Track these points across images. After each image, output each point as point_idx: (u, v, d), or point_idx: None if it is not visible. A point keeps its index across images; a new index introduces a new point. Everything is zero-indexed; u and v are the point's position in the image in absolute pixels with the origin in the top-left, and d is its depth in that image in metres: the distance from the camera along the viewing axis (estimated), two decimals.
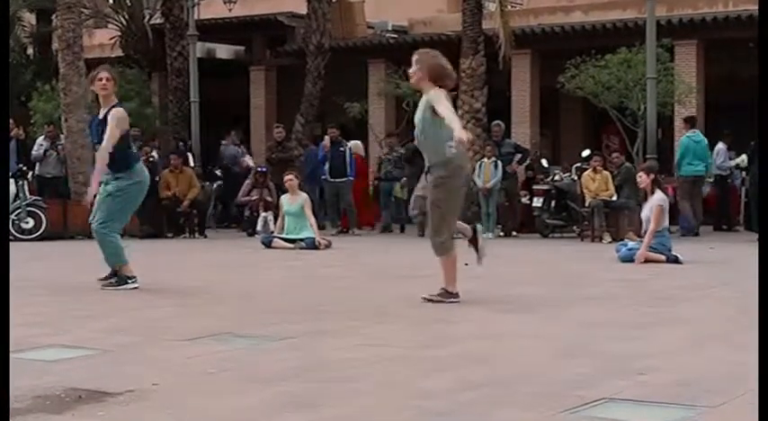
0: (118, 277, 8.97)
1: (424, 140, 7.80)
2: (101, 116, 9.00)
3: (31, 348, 5.86)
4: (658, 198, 12.10)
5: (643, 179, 12.48)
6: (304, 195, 15.53)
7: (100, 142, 8.77)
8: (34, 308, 7.80)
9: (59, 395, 4.57)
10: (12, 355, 5.61)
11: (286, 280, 10.79)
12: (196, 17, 22.91)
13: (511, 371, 5.15)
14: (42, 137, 19.80)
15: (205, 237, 18.32)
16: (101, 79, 9.00)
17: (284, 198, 15.60)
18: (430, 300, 7.83)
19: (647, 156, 18.30)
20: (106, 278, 9.10)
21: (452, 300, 7.81)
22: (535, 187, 18.99)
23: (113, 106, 8.94)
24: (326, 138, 20.08)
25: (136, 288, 8.86)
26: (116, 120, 8.82)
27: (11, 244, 16.04)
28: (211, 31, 24.71)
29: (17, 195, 16.63)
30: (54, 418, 4.19)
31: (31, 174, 17.34)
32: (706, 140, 18.27)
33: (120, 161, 8.87)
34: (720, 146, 19.33)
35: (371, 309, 7.74)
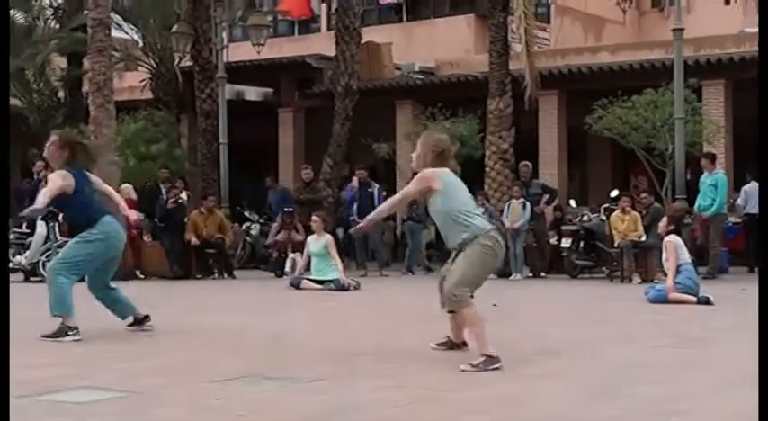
0: (59, 328, 8.46)
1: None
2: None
3: (61, 389, 5.87)
4: (668, 238, 12.44)
5: (663, 225, 12.79)
6: (328, 236, 15.59)
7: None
8: (64, 348, 7.82)
9: None
10: (42, 397, 5.65)
11: (315, 321, 10.79)
12: (225, 60, 23.09)
13: (541, 413, 5.13)
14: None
15: (234, 277, 18.35)
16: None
17: (310, 239, 15.75)
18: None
19: (677, 196, 18.23)
20: (132, 324, 9.07)
21: (494, 365, 6.75)
22: (563, 228, 18.94)
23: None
24: (354, 179, 20.13)
25: (78, 340, 8.28)
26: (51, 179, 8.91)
27: (43, 285, 16.18)
28: (240, 73, 24.88)
29: (48, 237, 16.73)
30: None
31: (61, 215, 17.42)
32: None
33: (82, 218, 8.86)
34: (752, 185, 19.10)
35: (402, 351, 7.73)
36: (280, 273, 18.41)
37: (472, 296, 7.17)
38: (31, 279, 16.94)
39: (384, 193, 19.86)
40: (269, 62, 25.58)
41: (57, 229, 16.86)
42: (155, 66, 26.03)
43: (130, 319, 9.08)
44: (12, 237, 17.55)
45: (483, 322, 7.12)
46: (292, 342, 8.45)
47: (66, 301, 8.55)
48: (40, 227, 16.77)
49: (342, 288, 14.63)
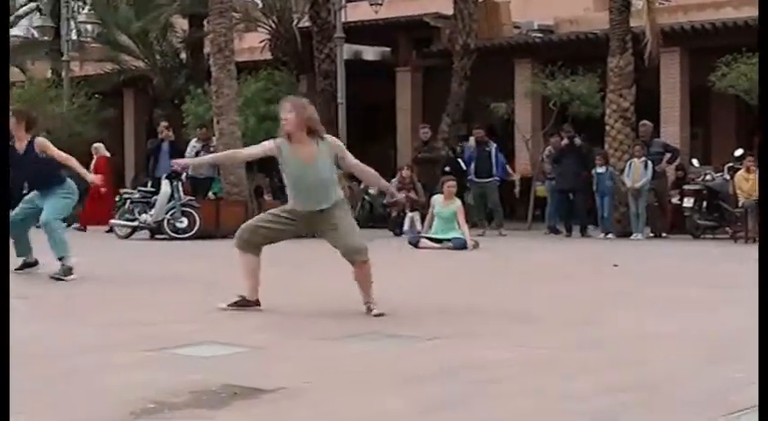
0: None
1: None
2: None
3: (187, 345, 6.03)
4: None
5: None
6: (458, 202, 15.50)
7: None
8: (188, 305, 8.02)
9: (215, 391, 4.70)
10: (168, 351, 5.82)
11: (433, 280, 10.84)
12: (343, 19, 23.14)
13: (659, 375, 5.09)
14: (195, 139, 20.28)
15: None
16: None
17: (437, 199, 15.56)
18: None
19: None
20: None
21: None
22: (686, 187, 18.61)
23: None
24: (471, 138, 20.06)
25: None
26: None
27: (167, 243, 16.59)
28: (358, 33, 24.92)
29: (172, 195, 17.08)
30: (210, 414, 4.32)
31: (184, 174, 17.77)
32: None
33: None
34: None
35: (519, 311, 7.73)
36: (398, 231, 18.50)
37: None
38: (157, 236, 17.33)
39: (501, 153, 19.78)
40: (387, 21, 25.55)
41: (180, 188, 17.20)
42: (274, 26, 26.21)
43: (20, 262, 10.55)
44: (137, 195, 17.98)
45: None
46: (410, 300, 8.50)
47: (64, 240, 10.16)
48: (165, 185, 17.12)
49: (461, 247, 14.63)
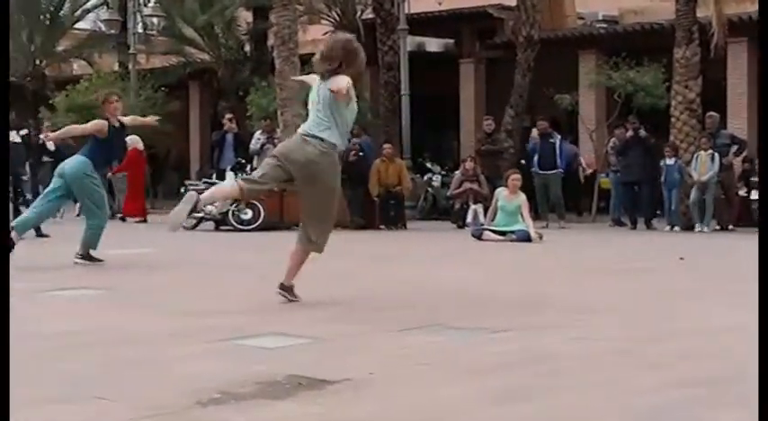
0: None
1: None
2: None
3: (252, 335, 6.07)
4: None
5: None
6: (523, 196, 15.44)
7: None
8: (252, 296, 8.06)
9: (280, 382, 4.72)
10: (234, 341, 5.86)
11: (497, 272, 10.81)
12: (406, 11, 23.16)
13: (727, 371, 5.03)
14: (260, 131, 20.40)
15: (405, 228, 18.48)
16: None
17: (502, 192, 15.50)
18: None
19: None
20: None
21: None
22: (753, 179, 18.37)
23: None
24: (534, 130, 19.97)
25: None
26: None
27: (232, 234, 16.71)
28: (421, 24, 24.91)
29: None
30: (276, 404, 4.34)
31: (249, 166, 17.90)
32: None
33: None
34: None
35: (586, 303, 7.68)
36: (461, 223, 18.47)
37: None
38: (221, 228, 17.47)
39: (567, 145, 19.67)
40: (450, 13, 25.52)
41: None
42: (337, 18, 26.29)
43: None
44: (202, 186, 18.11)
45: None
46: (474, 292, 8.49)
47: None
48: (229, 177, 17.23)
49: (524, 239, 14.58)
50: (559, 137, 19.69)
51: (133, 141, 20.85)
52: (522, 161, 19.47)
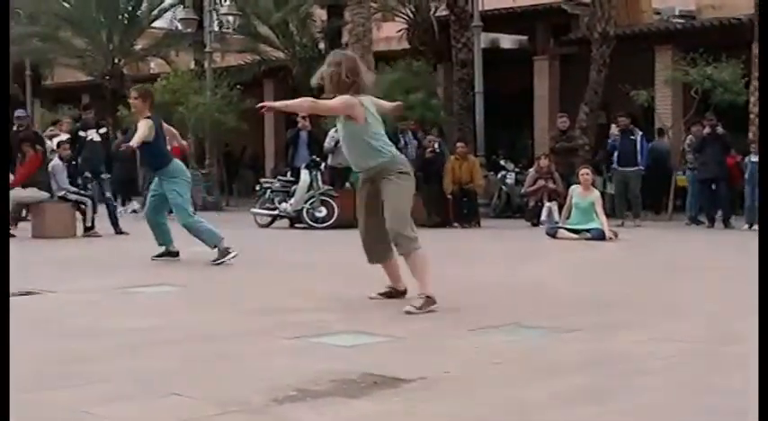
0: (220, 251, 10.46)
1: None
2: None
3: (328, 333, 6.12)
4: None
5: None
6: (596, 192, 15.33)
7: None
8: (327, 293, 8.12)
9: (355, 380, 4.76)
10: (310, 339, 5.91)
11: (571, 271, 10.76)
12: (480, 8, 23.08)
13: None
14: (334, 129, 20.43)
15: (479, 226, 18.44)
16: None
17: (575, 190, 15.41)
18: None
19: None
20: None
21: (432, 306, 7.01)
22: None
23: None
24: (613, 126, 19.78)
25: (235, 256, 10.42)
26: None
27: (306, 232, 16.81)
28: (495, 21, 24.82)
29: (311, 185, 17.29)
30: (351, 402, 4.37)
31: (323, 164, 17.98)
32: None
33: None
34: None
35: (660, 303, 7.62)
36: (536, 221, 18.37)
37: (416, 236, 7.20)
38: (296, 225, 17.58)
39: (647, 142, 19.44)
40: (524, 9, 25.38)
41: (319, 177, 17.41)
42: (411, 16, 26.31)
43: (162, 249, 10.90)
44: (277, 184, 18.25)
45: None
46: (548, 291, 8.45)
47: (209, 231, 10.56)
48: (305, 175, 17.35)
49: (599, 237, 14.47)
50: (641, 133, 19.45)
51: (175, 137, 20.84)
52: (597, 157, 19.27)
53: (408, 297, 7.38)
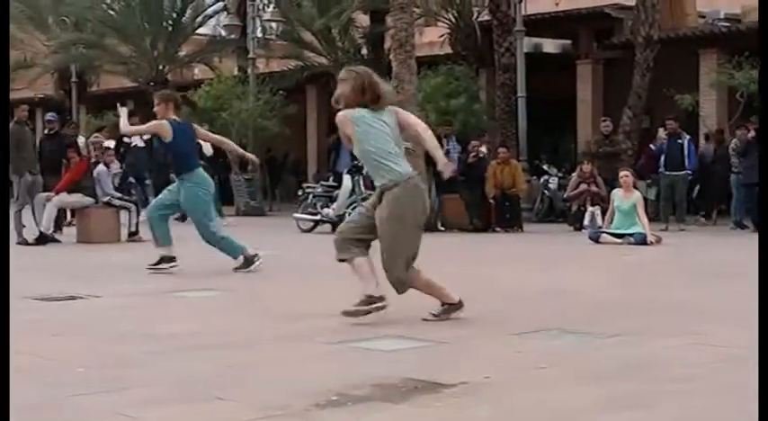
0: (245, 259, 10.28)
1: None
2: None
3: (368, 338, 6.12)
4: None
5: None
6: (637, 193, 15.26)
7: None
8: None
9: (396, 384, 4.76)
10: (350, 344, 5.92)
11: (614, 276, 10.70)
12: (523, 12, 23.01)
13: None
14: None
15: (521, 230, 18.37)
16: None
17: (617, 193, 15.36)
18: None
19: None
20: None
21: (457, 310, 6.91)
22: None
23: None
24: (661, 130, 19.64)
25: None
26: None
27: None
28: (538, 25, 24.74)
29: (353, 190, 17.32)
30: (391, 407, 4.37)
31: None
32: None
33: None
34: None
35: (704, 308, 7.57)
36: (578, 226, 18.29)
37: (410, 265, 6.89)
38: None
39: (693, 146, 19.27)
40: (567, 13, 25.31)
41: (361, 182, 17.43)
42: (454, 20, 26.29)
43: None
44: (320, 189, 18.30)
45: (430, 281, 6.96)
46: (590, 296, 8.41)
47: (229, 241, 10.36)
48: (346, 180, 17.39)
49: (642, 242, 14.39)
50: (688, 137, 19.29)
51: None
52: (639, 163, 19.12)
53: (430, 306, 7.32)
